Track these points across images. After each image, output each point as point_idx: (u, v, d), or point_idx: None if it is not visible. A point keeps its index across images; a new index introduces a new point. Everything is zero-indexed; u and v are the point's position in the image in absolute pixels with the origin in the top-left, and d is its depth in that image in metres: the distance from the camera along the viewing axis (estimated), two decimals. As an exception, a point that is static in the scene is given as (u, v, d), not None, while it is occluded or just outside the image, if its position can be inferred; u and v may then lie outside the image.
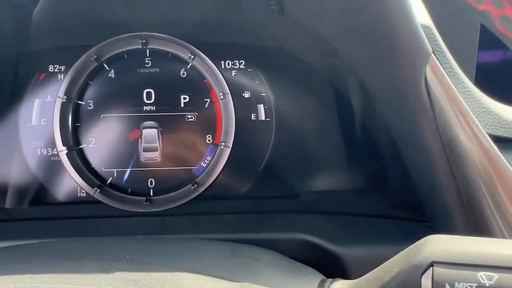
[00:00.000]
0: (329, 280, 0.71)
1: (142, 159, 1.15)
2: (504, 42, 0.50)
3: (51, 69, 1.15)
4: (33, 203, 1.15)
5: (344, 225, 1.02)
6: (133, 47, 1.13)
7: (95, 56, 1.11)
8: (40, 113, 1.14)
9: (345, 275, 0.90)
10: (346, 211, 1.08)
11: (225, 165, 1.12)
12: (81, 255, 0.62)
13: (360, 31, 0.76)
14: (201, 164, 1.16)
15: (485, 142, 0.80)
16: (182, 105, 1.16)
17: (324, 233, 0.96)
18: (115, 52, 1.13)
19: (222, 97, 1.13)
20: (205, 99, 1.16)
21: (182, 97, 1.16)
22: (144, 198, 1.12)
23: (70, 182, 1.14)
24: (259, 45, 1.16)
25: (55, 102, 1.12)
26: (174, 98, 1.15)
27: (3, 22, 1.08)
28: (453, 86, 0.81)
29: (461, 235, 0.59)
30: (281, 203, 1.14)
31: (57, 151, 1.14)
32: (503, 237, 0.79)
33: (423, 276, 0.55)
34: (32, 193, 1.15)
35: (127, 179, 1.15)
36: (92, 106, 1.15)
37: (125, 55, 1.15)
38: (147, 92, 1.15)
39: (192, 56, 1.12)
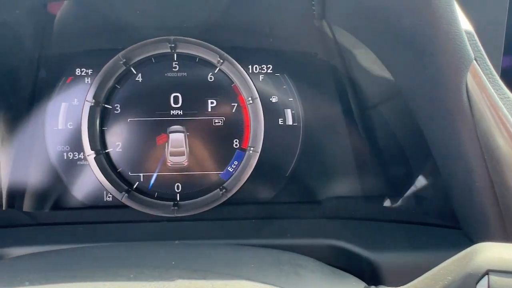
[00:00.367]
0: (372, 287, 0.70)
1: (168, 164, 1.14)
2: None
3: (78, 73, 1.14)
4: (59, 207, 1.14)
5: (374, 231, 1.01)
6: (161, 51, 1.12)
7: (124, 60, 1.11)
8: (67, 117, 1.14)
9: (378, 282, 0.90)
10: (373, 217, 1.08)
11: (253, 170, 1.12)
12: (132, 262, 0.61)
13: (402, 37, 0.76)
14: (228, 169, 1.15)
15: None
16: (209, 110, 1.15)
17: (356, 239, 0.96)
18: (144, 55, 1.12)
19: (251, 101, 1.12)
20: (233, 104, 1.15)
21: (209, 101, 1.15)
22: (172, 203, 1.12)
23: (96, 186, 1.13)
24: (287, 50, 1.16)
25: (83, 105, 1.11)
26: (201, 103, 1.15)
27: (22, 26, 1.08)
28: (494, 93, 0.81)
29: (498, 242, 0.58)
30: (308, 208, 1.13)
31: (83, 155, 1.13)
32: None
33: (478, 284, 0.54)
34: (58, 197, 1.14)
35: (153, 183, 1.15)
36: (119, 110, 1.14)
37: (152, 59, 1.15)
38: (174, 96, 1.15)
39: (221, 61, 1.12)
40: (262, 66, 1.16)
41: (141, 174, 1.15)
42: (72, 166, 1.14)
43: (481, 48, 0.81)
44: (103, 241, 1.00)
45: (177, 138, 1.14)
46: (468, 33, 0.78)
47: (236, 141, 1.15)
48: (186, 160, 1.14)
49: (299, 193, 1.16)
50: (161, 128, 1.14)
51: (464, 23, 0.79)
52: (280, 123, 1.16)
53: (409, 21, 0.72)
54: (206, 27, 1.12)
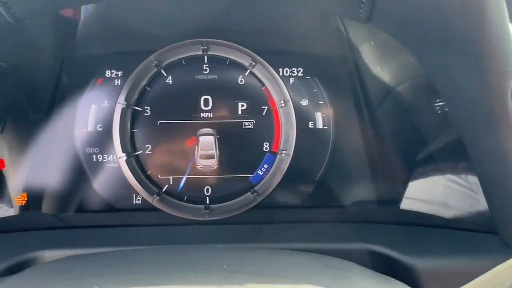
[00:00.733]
0: None
1: (198, 167, 1.13)
2: None
3: (108, 74, 1.14)
4: (88, 209, 1.13)
5: (409, 236, 1.01)
6: (193, 53, 1.12)
7: (156, 62, 1.10)
8: (96, 119, 1.13)
9: (416, 287, 0.90)
10: (405, 222, 1.07)
11: (285, 173, 1.11)
12: (190, 266, 0.60)
13: (450, 40, 0.76)
14: (258, 172, 1.14)
15: None
16: (240, 113, 1.14)
17: (393, 244, 0.95)
18: (176, 58, 1.12)
19: (283, 104, 1.12)
20: (263, 107, 1.15)
21: (239, 104, 1.15)
22: (203, 206, 1.11)
23: (126, 189, 1.12)
24: (318, 53, 1.16)
25: (115, 107, 1.11)
26: (231, 105, 1.14)
27: (44, 29, 1.08)
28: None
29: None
30: (338, 212, 1.13)
31: (113, 157, 1.12)
32: None
33: None
34: (87, 200, 1.13)
35: (183, 186, 1.14)
36: (149, 112, 1.14)
37: (183, 61, 1.14)
38: (204, 99, 1.14)
39: (254, 63, 1.11)
40: (293, 69, 1.15)
41: (171, 177, 1.14)
42: (101, 168, 1.13)
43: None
44: (135, 244, 0.99)
45: (207, 141, 1.13)
46: (515, 37, 0.78)
47: (266, 144, 1.15)
48: (216, 163, 1.13)
49: (328, 197, 1.15)
50: (191, 130, 1.14)
51: (512, 27, 0.79)
52: (310, 126, 1.15)
53: (459, 25, 0.72)
54: (237, 30, 1.12)
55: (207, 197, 1.14)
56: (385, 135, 1.16)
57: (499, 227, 0.94)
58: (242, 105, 1.15)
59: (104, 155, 1.13)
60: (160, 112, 1.13)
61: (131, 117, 1.12)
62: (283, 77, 1.14)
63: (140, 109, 1.13)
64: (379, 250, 0.95)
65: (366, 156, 1.16)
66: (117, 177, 1.12)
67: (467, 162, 0.98)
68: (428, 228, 1.05)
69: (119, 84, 1.13)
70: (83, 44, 1.13)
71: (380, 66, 1.14)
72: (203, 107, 1.14)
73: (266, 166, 1.14)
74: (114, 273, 0.53)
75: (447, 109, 1.09)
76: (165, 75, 1.14)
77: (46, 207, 1.12)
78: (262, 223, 1.08)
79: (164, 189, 1.13)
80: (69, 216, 1.12)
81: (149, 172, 1.13)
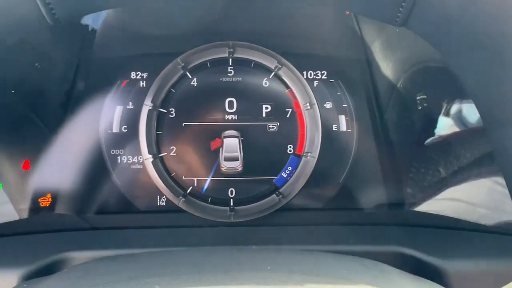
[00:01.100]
0: None
1: (222, 169, 1.13)
2: None
3: (133, 76, 1.14)
4: (112, 211, 1.13)
5: (437, 238, 1.01)
6: (219, 56, 1.12)
7: (183, 64, 1.11)
8: (121, 120, 1.13)
9: (447, 290, 0.90)
10: (431, 225, 1.08)
11: (310, 176, 1.11)
12: (239, 267, 0.60)
13: (486, 44, 0.76)
14: (282, 174, 1.15)
15: None
16: (264, 115, 1.15)
17: (421, 246, 0.95)
18: (202, 60, 1.12)
19: (308, 107, 1.12)
20: (287, 109, 1.15)
21: (264, 106, 1.15)
22: (228, 208, 1.11)
23: (151, 191, 1.12)
24: (342, 56, 1.16)
25: (141, 109, 1.11)
26: (256, 108, 1.15)
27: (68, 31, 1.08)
28: None
29: None
30: (363, 215, 1.13)
31: (138, 158, 1.13)
32: None
33: None
34: (111, 201, 1.13)
35: (207, 188, 1.14)
36: (174, 114, 1.14)
37: (208, 64, 1.14)
38: (229, 101, 1.14)
39: (279, 66, 1.12)
40: (317, 72, 1.16)
41: (195, 179, 1.14)
42: (126, 169, 1.13)
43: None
44: (162, 245, 0.99)
45: (231, 143, 1.13)
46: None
47: (290, 147, 1.15)
48: (240, 165, 1.13)
49: (352, 199, 1.15)
50: (215, 132, 1.14)
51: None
52: (334, 129, 1.16)
53: (496, 29, 0.73)
54: (262, 33, 1.13)
55: (231, 199, 1.14)
56: (405, 138, 1.17)
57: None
58: (266, 108, 1.15)
59: (129, 157, 1.13)
60: (185, 114, 1.14)
61: (156, 119, 1.12)
62: (307, 80, 1.15)
63: (165, 111, 1.13)
64: (408, 252, 0.95)
65: (389, 159, 1.16)
66: (142, 178, 1.12)
67: (492, 163, 0.99)
68: (454, 230, 1.05)
69: (144, 86, 1.14)
70: (107, 46, 1.14)
71: (387, 64, 1.15)
72: (227, 109, 1.14)
73: (290, 168, 1.14)
74: (173, 273, 0.53)
75: (425, 104, 1.11)
76: (190, 77, 1.14)
77: (71, 208, 1.12)
78: (288, 225, 1.08)
79: (188, 190, 1.13)
80: (93, 217, 1.12)
81: (173, 174, 1.13)
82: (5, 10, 0.71)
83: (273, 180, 1.15)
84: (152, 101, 1.11)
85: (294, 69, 1.12)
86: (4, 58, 0.83)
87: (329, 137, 1.15)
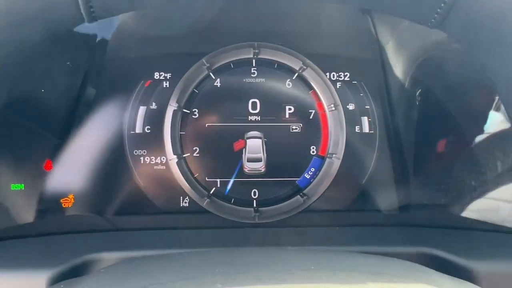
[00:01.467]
0: None
1: (246, 169, 1.13)
2: None
3: (156, 77, 1.14)
4: (135, 212, 1.12)
5: (463, 239, 1.02)
6: (244, 56, 1.12)
7: (208, 65, 1.11)
8: (144, 121, 1.13)
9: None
10: (454, 225, 1.08)
11: (334, 177, 1.11)
12: (281, 267, 0.60)
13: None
14: (305, 175, 1.15)
15: None
16: (287, 116, 1.15)
17: (449, 247, 0.95)
18: (226, 60, 1.12)
19: (333, 108, 1.13)
20: (310, 110, 1.15)
21: (287, 107, 1.15)
22: (252, 209, 1.11)
23: (175, 192, 1.12)
24: (364, 58, 1.17)
25: (166, 109, 1.11)
26: (279, 109, 1.15)
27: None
28: None
29: None
30: (387, 216, 1.13)
31: (161, 159, 1.12)
32: None
33: None
34: (134, 202, 1.12)
35: (229, 189, 1.14)
36: (197, 115, 1.13)
37: (231, 65, 1.14)
38: (252, 102, 1.14)
39: (304, 67, 1.12)
40: (340, 73, 1.16)
41: (218, 180, 1.14)
42: (149, 170, 1.12)
43: None
44: (189, 247, 0.98)
45: (254, 144, 1.13)
46: None
47: (313, 148, 1.15)
48: (263, 166, 1.13)
49: (375, 201, 1.15)
50: (238, 133, 1.14)
51: None
52: (357, 130, 1.16)
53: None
54: (286, 34, 1.13)
55: (254, 200, 1.13)
56: (426, 140, 1.17)
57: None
58: (290, 109, 1.15)
59: (152, 157, 1.13)
60: (208, 114, 1.13)
61: (180, 119, 1.12)
62: (330, 81, 1.15)
63: (188, 112, 1.13)
64: (436, 253, 0.95)
65: (411, 160, 1.16)
66: (165, 179, 1.12)
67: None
68: (480, 232, 1.05)
69: (168, 86, 1.13)
70: (130, 46, 1.13)
71: (401, 64, 1.16)
72: (251, 110, 1.14)
73: (313, 169, 1.14)
74: (228, 273, 0.53)
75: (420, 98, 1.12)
76: (213, 77, 1.14)
77: (93, 209, 1.11)
78: (312, 226, 1.08)
79: (211, 191, 1.13)
80: (116, 218, 1.11)
81: (196, 175, 1.13)
82: (44, 4, 0.70)
83: (296, 181, 1.15)
84: (177, 102, 1.10)
85: (319, 70, 1.12)
86: (32, 54, 0.82)
87: (352, 138, 1.15)
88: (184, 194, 1.12)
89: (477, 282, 0.91)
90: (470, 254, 0.95)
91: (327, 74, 1.16)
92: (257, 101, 1.14)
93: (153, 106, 1.13)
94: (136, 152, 1.12)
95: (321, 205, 1.13)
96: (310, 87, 1.15)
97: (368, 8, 1.05)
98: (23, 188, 1.07)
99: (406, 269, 0.69)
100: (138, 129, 1.12)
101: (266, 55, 1.13)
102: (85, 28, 1.06)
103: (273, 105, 1.15)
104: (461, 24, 0.79)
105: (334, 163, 1.12)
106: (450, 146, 1.14)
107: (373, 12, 1.16)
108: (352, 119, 1.16)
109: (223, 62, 1.12)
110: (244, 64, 1.15)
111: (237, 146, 1.14)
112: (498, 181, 1.09)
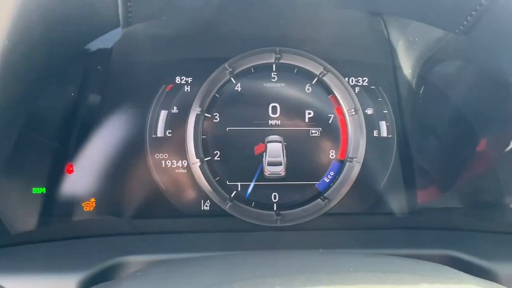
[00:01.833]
0: None
1: (266, 173, 1.14)
2: None
3: (178, 81, 1.14)
4: (155, 215, 1.13)
5: (484, 241, 1.03)
6: (266, 61, 1.14)
7: (230, 69, 1.12)
8: (166, 125, 1.13)
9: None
10: (473, 228, 1.10)
11: (355, 180, 1.13)
12: (328, 269, 0.61)
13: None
14: (324, 179, 1.16)
15: None
16: (307, 120, 1.16)
17: (470, 249, 0.97)
18: (248, 65, 1.13)
19: (353, 113, 1.14)
20: (329, 115, 1.17)
21: (306, 112, 1.16)
22: (273, 212, 1.12)
23: (196, 195, 1.12)
24: (382, 63, 1.19)
25: (188, 113, 1.11)
26: (299, 113, 1.16)
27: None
28: None
29: None
30: (407, 219, 1.14)
31: (182, 163, 1.13)
32: None
33: None
34: (156, 206, 1.13)
35: (250, 192, 1.15)
36: (218, 119, 1.14)
37: (252, 69, 1.15)
38: (272, 106, 1.15)
39: (325, 72, 1.14)
40: (358, 78, 1.18)
41: (239, 183, 1.14)
42: (170, 174, 1.13)
43: None
44: (214, 250, 0.99)
45: (275, 148, 1.14)
46: None
47: (332, 152, 1.16)
48: (283, 170, 1.14)
49: (393, 204, 1.17)
50: (259, 137, 1.15)
51: None
52: (375, 135, 1.17)
53: None
54: (306, 39, 1.14)
55: (275, 204, 1.14)
56: (442, 143, 1.19)
57: None
58: (309, 113, 1.16)
59: (173, 161, 1.13)
60: (229, 118, 1.14)
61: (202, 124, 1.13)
62: (350, 86, 1.17)
63: (210, 116, 1.14)
64: (459, 256, 0.96)
65: (427, 164, 1.18)
66: (187, 182, 1.12)
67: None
68: (501, 234, 1.07)
69: (189, 90, 1.14)
70: (152, 50, 1.14)
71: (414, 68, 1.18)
72: (271, 114, 1.15)
73: (332, 173, 1.16)
74: (279, 275, 0.54)
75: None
76: (234, 82, 1.15)
77: (114, 213, 1.11)
78: (333, 229, 1.09)
79: (232, 195, 1.13)
80: (136, 221, 1.11)
81: (217, 179, 1.13)
82: (83, 8, 0.71)
83: (316, 185, 1.16)
84: (200, 106, 1.11)
85: (339, 75, 1.14)
86: (62, 56, 0.82)
87: (371, 142, 1.16)
88: (206, 198, 1.12)
89: (500, 283, 0.92)
90: (491, 256, 0.96)
91: (346, 79, 1.17)
92: (277, 105, 1.15)
93: (174, 110, 1.14)
94: (157, 156, 1.13)
95: (341, 208, 1.14)
96: (329, 92, 1.17)
97: (395, 15, 1.07)
98: (44, 192, 1.07)
99: (443, 272, 0.70)
100: (160, 133, 1.13)
101: (287, 60, 1.14)
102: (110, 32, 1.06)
103: (293, 109, 1.16)
104: (487, 33, 0.81)
105: (354, 167, 1.13)
106: (467, 149, 1.16)
107: (384, 16, 1.18)
108: (370, 124, 1.17)
109: (244, 67, 1.13)
110: (265, 69, 1.16)
111: (257, 150, 1.15)
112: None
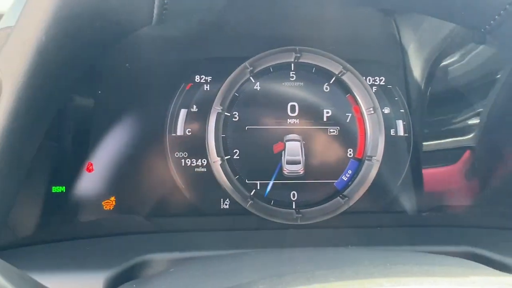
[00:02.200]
0: None
1: (285, 172, 1.15)
2: None
3: (197, 80, 1.15)
4: (175, 213, 1.13)
5: (502, 238, 1.05)
6: (285, 60, 1.14)
7: (251, 68, 1.12)
8: (185, 124, 1.13)
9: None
10: (490, 225, 1.11)
11: (374, 178, 1.14)
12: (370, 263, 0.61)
13: None
14: (342, 177, 1.17)
15: None
16: (325, 119, 1.17)
17: (492, 246, 0.98)
18: (268, 64, 1.14)
19: (372, 111, 1.15)
20: (347, 114, 1.18)
21: (325, 111, 1.17)
22: (293, 210, 1.12)
23: (216, 194, 1.13)
24: (398, 63, 1.20)
25: (208, 112, 1.12)
26: (317, 112, 1.17)
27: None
28: None
29: None
30: (426, 217, 1.16)
31: (201, 161, 1.13)
32: None
33: None
34: (175, 204, 1.13)
35: (269, 191, 1.15)
36: (237, 118, 1.15)
37: (271, 68, 1.16)
38: (291, 105, 1.16)
39: (344, 71, 1.15)
40: (375, 78, 1.19)
41: (258, 182, 1.15)
42: (190, 172, 1.13)
43: None
44: (237, 247, 0.99)
45: (293, 147, 1.15)
46: None
47: (350, 151, 1.17)
48: (302, 169, 1.15)
49: (410, 202, 1.18)
50: (278, 136, 1.15)
51: None
52: (392, 133, 1.19)
53: None
54: (326, 39, 1.15)
55: (293, 202, 1.15)
56: (459, 142, 1.21)
57: None
58: (327, 112, 1.17)
59: (193, 159, 1.13)
60: (248, 117, 1.15)
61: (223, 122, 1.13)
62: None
63: (229, 115, 1.14)
64: (479, 252, 0.97)
65: (444, 162, 1.20)
66: (207, 181, 1.12)
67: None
68: None
69: (208, 89, 1.14)
70: (171, 49, 1.14)
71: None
72: (290, 113, 1.16)
73: (350, 171, 1.17)
74: (335, 268, 0.54)
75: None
76: (253, 81, 1.15)
77: (134, 211, 1.11)
78: (353, 227, 1.10)
79: (251, 193, 1.14)
80: (157, 220, 1.11)
81: (237, 177, 1.14)
82: (119, 4, 0.71)
83: (334, 183, 1.17)
84: (221, 104, 1.11)
85: (358, 74, 1.15)
86: (92, 52, 0.82)
87: (389, 141, 1.17)
88: (226, 196, 1.12)
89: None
90: (512, 252, 0.98)
91: (364, 78, 1.18)
92: (296, 104, 1.16)
93: (194, 108, 1.14)
94: (177, 155, 1.13)
95: (360, 207, 1.15)
96: (347, 91, 1.18)
97: (421, 15, 1.08)
98: (64, 191, 1.07)
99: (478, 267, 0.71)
100: (179, 132, 1.13)
101: (306, 59, 1.15)
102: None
103: (311, 108, 1.17)
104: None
105: (373, 165, 1.14)
106: (484, 146, 1.18)
107: (398, 16, 1.20)
108: (387, 123, 1.18)
109: (264, 66, 1.14)
110: (283, 68, 1.17)
111: (276, 148, 1.15)
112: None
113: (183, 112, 1.13)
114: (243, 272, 0.65)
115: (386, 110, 1.19)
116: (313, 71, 1.17)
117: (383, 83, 1.20)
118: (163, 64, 1.14)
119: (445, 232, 1.08)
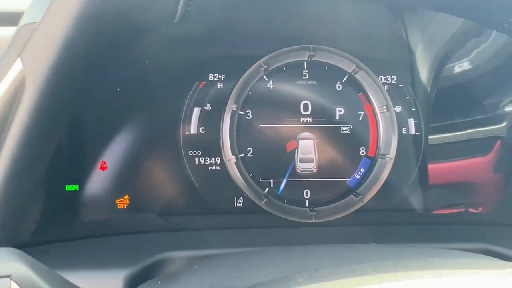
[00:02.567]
0: None
1: (298, 170, 1.15)
2: None
3: (211, 78, 1.15)
4: (189, 212, 1.12)
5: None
6: (299, 59, 1.15)
7: (265, 66, 1.12)
8: (199, 122, 1.13)
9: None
10: (504, 222, 1.12)
11: (387, 176, 1.14)
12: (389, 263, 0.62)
13: None
14: (355, 176, 1.17)
15: None
16: (337, 118, 1.17)
17: (508, 243, 0.99)
18: (281, 63, 1.14)
19: (385, 110, 1.16)
20: (359, 112, 1.18)
21: (337, 109, 1.18)
22: (308, 208, 1.12)
23: (230, 192, 1.13)
24: (410, 61, 1.21)
25: (222, 110, 1.12)
26: (329, 110, 1.17)
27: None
28: None
29: None
30: (440, 215, 1.17)
31: (215, 160, 1.13)
32: None
33: None
34: (189, 203, 1.13)
35: (282, 189, 1.15)
36: (251, 116, 1.15)
37: (284, 67, 1.16)
38: (304, 104, 1.16)
39: (357, 70, 1.15)
40: (387, 76, 1.20)
41: (271, 180, 1.15)
42: (204, 171, 1.13)
43: None
44: (254, 245, 1.00)
45: (306, 145, 1.15)
46: None
47: (362, 149, 1.18)
48: (315, 167, 1.15)
49: (423, 200, 1.19)
50: (291, 134, 1.16)
51: None
52: (403, 132, 1.19)
53: None
54: (340, 37, 1.16)
55: (307, 200, 1.15)
56: (470, 141, 1.22)
57: None
58: (340, 110, 1.18)
59: (207, 158, 1.13)
60: (261, 116, 1.15)
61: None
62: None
63: (242, 113, 1.14)
64: (496, 249, 0.98)
65: (455, 160, 1.21)
66: (221, 179, 1.12)
67: None
68: None
69: (222, 87, 1.14)
70: (185, 47, 1.14)
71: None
72: (303, 112, 1.16)
73: (362, 170, 1.17)
74: (367, 262, 0.54)
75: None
76: (266, 79, 1.16)
77: (148, 210, 1.10)
78: (367, 225, 1.11)
79: (265, 191, 1.14)
80: (171, 218, 1.11)
81: (251, 175, 1.14)
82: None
83: (347, 182, 1.17)
84: (235, 102, 1.11)
85: (372, 73, 1.16)
86: (111, 47, 0.82)
87: (401, 140, 1.18)
88: (240, 194, 1.13)
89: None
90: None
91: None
92: (309, 103, 1.17)
93: (208, 107, 1.14)
94: (190, 153, 1.13)
95: (373, 205, 1.16)
96: (359, 89, 1.18)
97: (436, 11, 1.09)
98: (78, 189, 1.06)
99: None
100: (193, 130, 1.13)
101: (319, 57, 1.15)
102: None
103: (324, 107, 1.17)
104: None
105: (387, 163, 1.15)
106: (494, 146, 1.19)
107: (407, 14, 1.21)
108: (399, 121, 1.19)
109: (278, 64, 1.14)
110: (296, 67, 1.17)
111: (289, 146, 1.15)
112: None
113: (196, 111, 1.13)
114: (271, 268, 0.65)
115: (398, 109, 1.20)
116: (326, 69, 1.17)
117: (395, 82, 1.20)
118: (176, 62, 1.14)
119: (458, 230, 1.09)
